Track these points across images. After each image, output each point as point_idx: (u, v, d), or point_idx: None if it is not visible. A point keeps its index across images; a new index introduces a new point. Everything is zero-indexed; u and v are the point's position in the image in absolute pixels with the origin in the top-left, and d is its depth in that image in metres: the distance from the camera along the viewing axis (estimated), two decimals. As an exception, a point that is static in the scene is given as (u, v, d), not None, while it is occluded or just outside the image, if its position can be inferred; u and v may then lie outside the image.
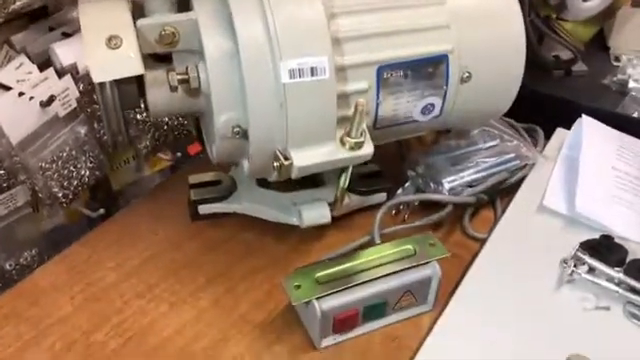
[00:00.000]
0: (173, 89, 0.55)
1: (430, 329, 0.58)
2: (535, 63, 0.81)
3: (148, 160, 0.87)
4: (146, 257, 0.66)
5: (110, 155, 0.82)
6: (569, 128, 0.78)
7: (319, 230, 0.68)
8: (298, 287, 0.55)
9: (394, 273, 0.57)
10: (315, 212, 0.65)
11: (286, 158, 0.56)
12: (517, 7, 0.63)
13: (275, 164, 0.56)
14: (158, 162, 0.88)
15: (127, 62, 0.52)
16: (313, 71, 0.53)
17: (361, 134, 0.56)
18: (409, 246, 0.59)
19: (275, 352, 0.57)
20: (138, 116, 0.76)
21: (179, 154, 0.87)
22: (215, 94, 0.54)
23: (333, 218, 0.67)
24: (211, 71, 0.54)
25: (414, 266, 0.58)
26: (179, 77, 0.54)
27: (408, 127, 0.63)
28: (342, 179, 0.62)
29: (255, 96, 0.53)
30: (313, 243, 0.68)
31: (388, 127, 0.61)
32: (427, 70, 0.59)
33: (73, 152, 0.72)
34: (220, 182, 0.70)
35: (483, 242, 0.67)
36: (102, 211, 0.78)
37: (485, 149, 0.72)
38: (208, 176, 0.71)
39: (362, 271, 0.57)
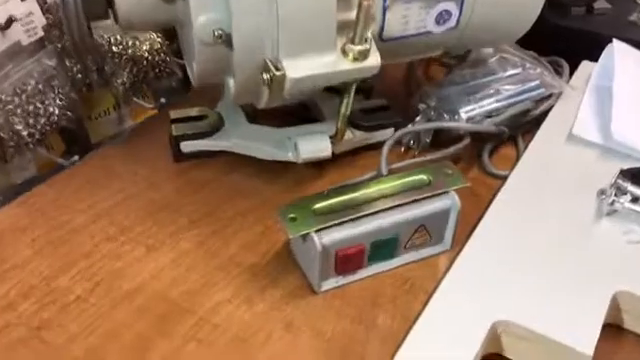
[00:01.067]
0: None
1: (447, 271, 0.50)
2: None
3: (130, 110, 0.79)
4: (121, 198, 0.58)
5: (87, 102, 0.75)
6: (596, 60, 0.69)
7: (317, 169, 0.60)
8: (294, 220, 0.47)
9: (406, 204, 0.49)
10: (314, 144, 0.57)
11: (277, 69, 0.47)
12: None
13: (264, 76, 0.48)
14: (142, 112, 0.80)
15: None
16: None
17: (366, 41, 0.48)
18: (423, 176, 0.51)
19: (268, 297, 0.49)
20: (114, 48, 0.68)
21: (163, 100, 0.79)
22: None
23: (333, 156, 0.59)
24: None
25: (429, 196, 0.49)
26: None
27: (419, 41, 0.54)
28: (344, 104, 0.54)
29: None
30: (310, 184, 0.60)
31: (397, 40, 0.53)
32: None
33: (40, 86, 0.64)
34: (205, 117, 0.62)
35: (504, 179, 0.59)
36: (76, 158, 0.70)
37: (505, 78, 0.64)
38: (192, 111, 0.63)
39: (368, 202, 0.48)
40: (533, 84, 0.63)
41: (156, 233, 0.54)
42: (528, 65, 0.65)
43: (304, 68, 0.48)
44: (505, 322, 0.44)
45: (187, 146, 0.61)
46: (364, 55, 0.48)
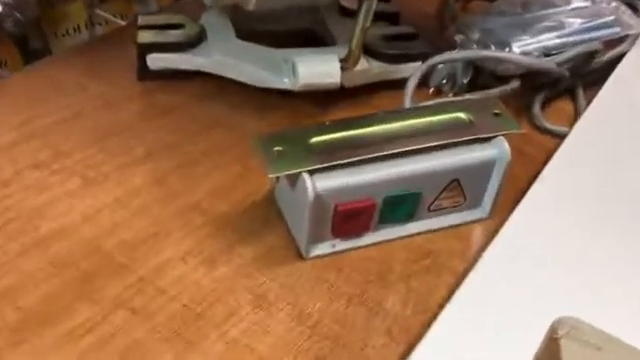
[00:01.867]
0: None
1: (484, 247, 0.37)
2: None
3: (106, 28, 0.66)
4: (64, 116, 0.44)
5: (53, 16, 0.62)
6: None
7: (320, 104, 0.47)
8: (280, 154, 0.33)
9: (436, 148, 0.35)
10: (317, 67, 0.43)
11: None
12: None
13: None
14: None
15: None
16: None
17: None
18: (461, 114, 0.37)
19: (236, 258, 0.35)
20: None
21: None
22: None
23: (343, 89, 0.46)
24: None
25: (469, 140, 0.36)
26: None
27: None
28: (362, 14, 0.40)
29: None
30: (311, 122, 0.46)
31: None
32: None
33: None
34: (183, 27, 0.48)
35: (561, 138, 0.46)
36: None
37: (570, 10, 0.50)
38: (167, 18, 0.49)
39: (385, 140, 0.35)
40: (605, 20, 0.49)
41: (100, 163, 0.41)
42: (600, -3, 0.51)
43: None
44: (569, 322, 0.31)
45: (155, 60, 0.47)
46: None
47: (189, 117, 0.45)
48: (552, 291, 0.33)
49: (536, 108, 0.48)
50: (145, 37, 0.47)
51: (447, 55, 0.45)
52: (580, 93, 0.50)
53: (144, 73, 0.48)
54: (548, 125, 0.47)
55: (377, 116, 0.37)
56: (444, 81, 0.48)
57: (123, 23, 0.66)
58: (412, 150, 0.35)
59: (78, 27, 0.66)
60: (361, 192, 0.34)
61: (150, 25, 0.48)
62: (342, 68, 0.44)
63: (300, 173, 0.33)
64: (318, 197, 0.33)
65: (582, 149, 0.42)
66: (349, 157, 0.34)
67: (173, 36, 0.47)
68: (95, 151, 0.42)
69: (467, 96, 0.45)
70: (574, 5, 0.50)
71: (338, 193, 0.34)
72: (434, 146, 0.35)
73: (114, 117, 0.45)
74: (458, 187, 0.37)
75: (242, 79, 0.46)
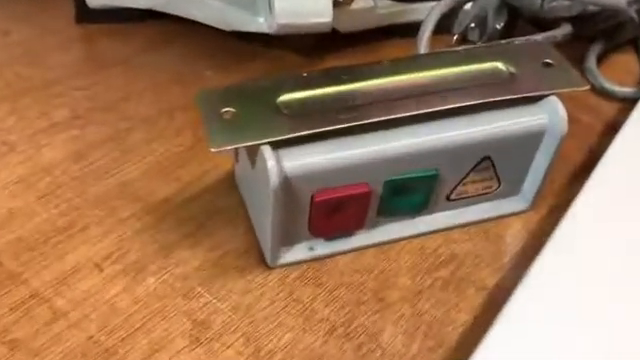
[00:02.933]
0: None
1: (525, 251, 0.26)
2: None
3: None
4: (-29, 68, 0.34)
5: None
6: None
7: (304, 56, 0.36)
8: (232, 118, 0.23)
9: (460, 112, 0.24)
10: (302, 1, 0.32)
11: None
12: None
13: None
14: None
15: None
16: None
17: None
18: (498, 63, 0.26)
19: (174, 268, 0.25)
20: None
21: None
22: None
23: (338, 36, 0.35)
24: None
25: (508, 101, 0.25)
26: None
27: None
28: None
29: None
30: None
31: None
32: None
33: None
34: (134, -47, 0.37)
35: (625, 102, 0.35)
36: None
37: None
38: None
39: (386, 99, 0.24)
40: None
41: (8, 129, 0.30)
42: None
43: None
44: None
45: (96, -2, 0.36)
46: None
47: (134, 71, 0.34)
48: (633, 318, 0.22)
49: (591, 61, 0.37)
50: (81, -35, 0.36)
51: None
52: (647, 44, 0.38)
53: (84, 14, 0.37)
54: (608, 85, 0.35)
55: (379, 66, 0.26)
56: (472, 25, 0.37)
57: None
58: (426, 114, 0.24)
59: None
60: (351, 174, 0.23)
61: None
62: (336, 3, 0.33)
63: (258, 145, 0.22)
64: (286, 181, 0.22)
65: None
66: (333, 123, 0.23)
67: (118, -35, 0.36)
68: (3, 114, 0.31)
69: (503, 42, 0.33)
70: None
71: (316, 175, 0.23)
72: (457, 108, 0.24)
73: (39, 69, 0.34)
74: (490, 167, 0.26)
75: (206, 21, 0.35)
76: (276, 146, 0.22)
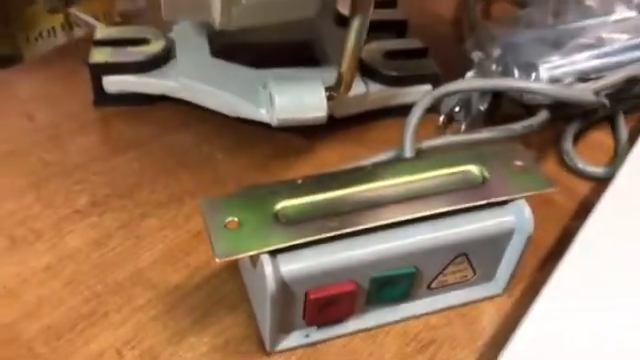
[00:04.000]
0: None
1: (500, 332, 0.29)
2: None
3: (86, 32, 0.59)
4: (1, 154, 0.37)
5: (24, 18, 0.55)
6: None
7: (307, 138, 0.39)
8: (236, 226, 0.26)
9: (437, 216, 0.28)
10: (299, 98, 0.36)
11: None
12: None
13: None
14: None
15: None
16: None
17: None
18: (473, 166, 0.30)
19: (187, 352, 0.28)
20: None
21: (119, 19, 0.58)
22: None
23: (334, 121, 0.38)
24: None
25: (481, 206, 0.28)
26: None
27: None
28: (354, 27, 0.32)
29: None
30: (295, 159, 0.39)
31: None
32: None
33: None
34: (147, 42, 0.41)
35: (602, 183, 0.38)
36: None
37: (611, 24, 0.41)
38: (129, 31, 0.42)
39: (372, 206, 0.27)
40: (656, 36, 0.40)
41: (35, 216, 0.34)
42: (648, 7, 0.42)
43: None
44: None
45: (112, 83, 0.40)
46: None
47: (148, 155, 0.38)
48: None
49: (567, 143, 0.40)
50: (99, 56, 0.40)
51: (457, 85, 0.37)
52: (621, 122, 0.41)
53: (101, 97, 0.41)
54: (582, 165, 0.38)
55: (364, 171, 0.29)
56: (457, 109, 0.40)
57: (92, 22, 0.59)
58: (406, 220, 0.27)
59: (53, 29, 0.59)
60: (340, 274, 0.27)
61: (108, 40, 0.41)
62: (330, 97, 0.36)
63: (259, 255, 0.25)
64: (282, 284, 0.26)
65: (630, 203, 0.34)
66: (323, 231, 0.26)
67: (131, 55, 0.40)
68: (31, 200, 0.35)
69: (484, 133, 0.36)
70: (617, 16, 0.42)
71: (309, 277, 0.26)
72: (434, 214, 0.27)
73: (58, 154, 0.37)
74: (466, 261, 0.29)
75: (214, 107, 0.39)
76: (273, 254, 0.26)
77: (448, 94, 0.37)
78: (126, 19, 0.57)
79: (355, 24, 0.32)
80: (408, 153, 0.33)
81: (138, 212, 0.34)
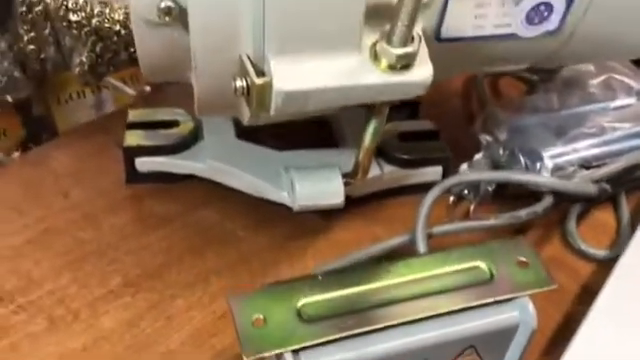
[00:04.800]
0: None
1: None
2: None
3: (113, 93, 0.62)
4: (38, 233, 0.40)
5: (55, 81, 0.58)
6: None
7: (326, 217, 0.42)
8: (262, 323, 0.28)
9: (448, 314, 0.30)
10: (318, 185, 0.38)
11: (260, 73, 0.29)
12: None
13: (238, 83, 0.29)
14: (126, 97, 0.62)
15: None
16: None
17: (412, 40, 0.29)
18: (481, 263, 0.32)
19: None
20: (72, 16, 0.50)
21: (148, 88, 0.61)
22: None
23: (350, 200, 0.41)
24: None
25: (487, 304, 0.30)
26: None
27: (497, 47, 0.35)
28: (370, 130, 0.35)
29: None
30: (313, 238, 0.41)
31: (462, 41, 0.34)
32: None
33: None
34: (176, 125, 0.44)
35: (603, 264, 0.40)
36: (16, 155, 0.53)
37: (612, 110, 0.44)
38: (160, 113, 0.45)
39: (387, 304, 0.30)
40: (655, 124, 0.43)
41: (71, 297, 0.36)
42: (648, 93, 0.45)
43: (303, 75, 0.29)
44: None
45: (144, 164, 0.43)
46: (407, 62, 0.29)
47: (176, 234, 0.41)
48: None
49: (571, 224, 0.42)
50: (133, 139, 0.42)
51: (461, 177, 0.40)
52: (623, 203, 0.44)
53: (133, 176, 0.43)
54: (585, 247, 0.41)
55: (379, 268, 0.32)
56: (466, 191, 0.43)
57: (131, 92, 0.62)
58: (418, 319, 0.29)
59: (83, 92, 0.62)
60: (357, 368, 0.29)
61: (139, 123, 0.44)
62: (347, 184, 0.39)
63: (283, 354, 0.28)
64: (305, 380, 0.28)
65: (634, 288, 0.36)
66: (342, 329, 0.28)
67: (163, 138, 0.43)
68: (67, 281, 0.37)
69: (491, 220, 0.39)
70: (618, 103, 0.44)
71: (330, 372, 0.28)
72: (444, 312, 0.30)
73: (92, 233, 0.40)
74: (474, 352, 0.31)
75: (239, 187, 0.42)
76: (296, 351, 0.28)
77: (456, 185, 0.40)
78: (153, 85, 0.60)
79: (371, 128, 0.34)
80: (421, 243, 0.36)
81: (167, 293, 0.37)
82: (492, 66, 0.39)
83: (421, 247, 0.36)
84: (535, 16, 0.33)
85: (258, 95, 0.29)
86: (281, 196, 0.40)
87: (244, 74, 0.29)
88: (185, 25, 0.28)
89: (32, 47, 0.52)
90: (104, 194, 0.43)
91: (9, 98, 0.51)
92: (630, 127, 0.42)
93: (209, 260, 0.39)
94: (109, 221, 0.41)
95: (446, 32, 0.32)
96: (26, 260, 0.38)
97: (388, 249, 0.38)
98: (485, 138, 0.44)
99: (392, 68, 0.29)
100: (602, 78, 0.45)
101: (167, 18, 0.28)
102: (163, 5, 0.28)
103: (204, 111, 0.34)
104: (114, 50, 0.53)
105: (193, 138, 0.43)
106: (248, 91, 0.29)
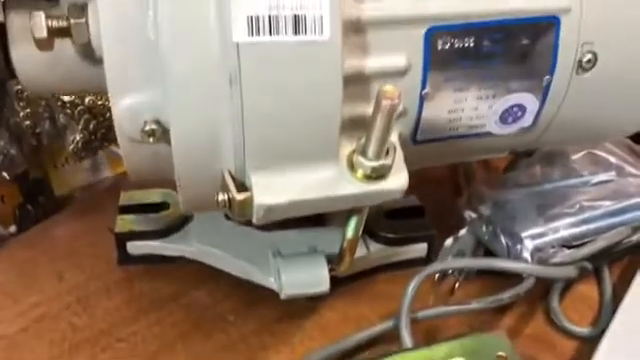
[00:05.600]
0: (42, 45, 0.30)
1: None
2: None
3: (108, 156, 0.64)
4: (31, 321, 0.41)
5: (51, 147, 0.59)
6: None
7: (310, 300, 0.42)
8: None
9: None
10: (304, 274, 0.39)
11: (241, 187, 0.30)
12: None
13: (220, 197, 0.30)
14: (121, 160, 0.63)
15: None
16: (298, 24, 0.27)
17: (387, 153, 0.30)
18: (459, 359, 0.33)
19: None
20: (65, 96, 0.51)
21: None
22: (110, 58, 0.29)
23: (337, 279, 0.42)
24: (104, 12, 0.28)
25: (466, 402, 0.31)
26: (53, 24, 0.29)
27: (473, 144, 0.36)
28: (351, 226, 0.36)
29: (180, 63, 0.27)
30: (301, 321, 0.42)
31: (438, 141, 0.35)
32: (519, 43, 0.32)
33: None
34: (167, 207, 0.45)
35: (585, 341, 0.40)
36: (13, 229, 0.54)
37: (592, 185, 0.45)
38: (151, 195, 0.46)
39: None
40: (632, 202, 0.43)
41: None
42: (627, 168, 0.46)
43: (283, 189, 0.30)
44: None
45: (136, 247, 0.44)
46: (382, 173, 0.30)
47: (167, 318, 0.41)
48: None
49: (554, 300, 0.43)
50: (125, 225, 0.44)
51: (449, 264, 0.41)
52: (605, 277, 0.44)
53: (125, 258, 0.45)
54: (568, 324, 0.41)
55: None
56: (450, 270, 0.44)
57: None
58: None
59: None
60: None
61: (131, 206, 0.45)
62: (332, 270, 0.40)
63: None
64: None
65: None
66: None
67: (153, 222, 0.44)
68: (58, 372, 0.38)
69: (473, 304, 0.39)
70: (599, 178, 0.45)
71: None
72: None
73: (88, 319, 0.41)
74: None
75: (228, 270, 0.43)
76: None
77: (440, 272, 0.41)
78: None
79: (352, 224, 0.35)
80: (404, 333, 0.36)
81: (157, 384, 0.38)
82: (470, 157, 0.40)
83: (405, 336, 0.37)
84: (509, 116, 0.34)
85: (239, 209, 0.30)
86: (269, 281, 0.40)
87: (225, 189, 0.30)
88: (169, 142, 0.30)
89: (28, 123, 0.54)
90: (97, 276, 0.44)
91: (6, 175, 0.52)
92: (609, 205, 0.43)
93: (198, 346, 0.40)
94: (102, 306, 0.42)
95: (422, 135, 0.34)
96: (21, 350, 0.39)
97: (374, 335, 0.39)
98: (469, 214, 0.45)
99: (368, 178, 0.31)
100: (583, 153, 0.47)
101: (151, 139, 0.29)
102: (147, 128, 0.29)
103: (190, 211, 0.35)
104: (107, 126, 0.55)
105: (183, 221, 0.44)
106: (229, 203, 0.30)
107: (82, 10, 0.29)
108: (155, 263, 0.44)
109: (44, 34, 0.29)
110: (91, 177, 0.62)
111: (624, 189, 0.44)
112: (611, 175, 0.45)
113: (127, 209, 0.45)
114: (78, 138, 0.53)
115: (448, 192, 0.51)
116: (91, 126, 0.53)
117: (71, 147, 0.54)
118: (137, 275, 0.44)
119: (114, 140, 0.55)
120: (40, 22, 0.29)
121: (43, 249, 0.46)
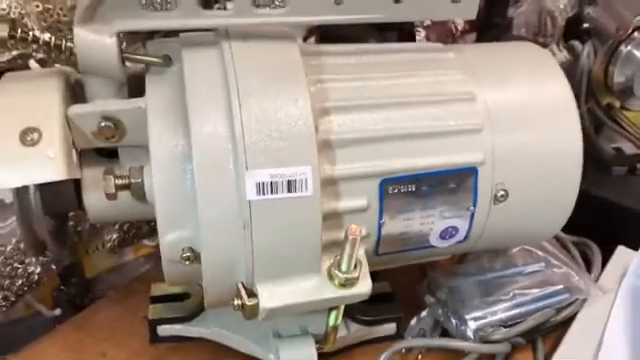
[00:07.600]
0: (110, 197, 0.42)
1: None
2: (591, 157, 0.65)
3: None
4: (84, 391, 0.52)
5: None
6: (635, 247, 0.62)
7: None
8: None
9: None
10: (297, 351, 0.51)
11: (251, 295, 0.42)
12: (572, 104, 0.48)
13: (235, 302, 0.42)
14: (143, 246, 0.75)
15: (43, 164, 0.39)
16: (291, 185, 0.40)
17: (355, 267, 0.42)
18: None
19: None
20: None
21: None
22: (160, 207, 0.41)
23: (322, 354, 0.53)
24: (156, 176, 0.41)
25: None
26: (118, 182, 0.42)
27: (422, 253, 0.48)
28: (332, 317, 0.48)
29: (210, 212, 0.40)
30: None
31: (395, 253, 0.47)
32: (448, 186, 0.44)
33: (21, 245, 0.60)
34: (187, 297, 0.57)
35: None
36: (57, 312, 0.66)
37: (525, 275, 0.57)
38: (174, 288, 0.58)
39: None
40: (556, 289, 0.55)
41: None
42: (553, 261, 0.58)
43: (281, 296, 0.42)
44: None
45: (165, 330, 0.55)
46: (352, 282, 0.42)
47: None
48: None
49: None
50: (156, 313, 0.55)
51: (405, 343, 0.53)
52: (539, 347, 0.56)
53: (155, 337, 0.56)
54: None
55: None
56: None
57: (149, 243, 0.74)
58: None
59: (106, 242, 0.75)
60: None
61: (160, 296, 0.57)
62: (319, 348, 0.51)
63: None
64: None
65: None
66: None
67: (179, 310, 0.55)
68: None
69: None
70: (531, 269, 0.57)
71: None
72: None
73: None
74: None
75: (237, 348, 0.54)
76: None
77: (405, 348, 0.52)
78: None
79: (332, 317, 0.47)
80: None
81: None
82: (421, 261, 0.52)
83: (375, 400, 0.48)
84: (446, 234, 0.46)
85: (249, 311, 0.42)
86: (269, 358, 0.52)
87: (239, 296, 0.42)
88: (199, 262, 0.42)
89: (71, 223, 0.66)
90: (135, 354, 0.55)
91: (54, 267, 0.64)
92: (537, 292, 0.55)
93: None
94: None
95: (382, 250, 0.46)
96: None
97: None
98: (429, 299, 0.57)
99: (342, 286, 0.42)
100: (519, 248, 0.59)
101: (187, 262, 0.41)
102: (184, 255, 0.41)
103: (211, 308, 0.47)
104: (138, 226, 0.67)
105: (201, 309, 0.56)
106: (242, 307, 0.42)
107: (140, 171, 0.42)
108: (180, 341, 0.56)
109: (112, 191, 0.41)
110: (117, 260, 0.73)
111: (550, 279, 0.57)
112: (541, 266, 0.57)
113: (157, 299, 0.57)
114: (114, 237, 0.65)
115: (413, 277, 0.63)
116: (125, 227, 0.65)
117: (108, 245, 0.66)
118: (168, 352, 0.56)
119: (144, 236, 0.68)
120: (110, 183, 0.41)
121: (88, 331, 0.58)
